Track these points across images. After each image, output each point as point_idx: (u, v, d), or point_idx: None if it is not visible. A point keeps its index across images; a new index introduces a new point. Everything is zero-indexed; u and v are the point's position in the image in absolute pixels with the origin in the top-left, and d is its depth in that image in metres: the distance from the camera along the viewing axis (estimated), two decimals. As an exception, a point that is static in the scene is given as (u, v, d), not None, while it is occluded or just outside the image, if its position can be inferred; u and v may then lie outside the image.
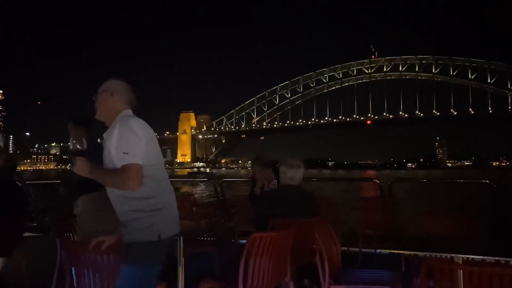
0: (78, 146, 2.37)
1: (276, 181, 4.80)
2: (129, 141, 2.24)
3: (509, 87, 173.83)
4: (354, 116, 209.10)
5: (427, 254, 2.96)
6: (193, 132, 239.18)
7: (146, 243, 2.23)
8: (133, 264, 2.24)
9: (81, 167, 2.29)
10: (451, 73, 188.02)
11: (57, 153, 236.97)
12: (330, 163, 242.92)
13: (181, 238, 3.29)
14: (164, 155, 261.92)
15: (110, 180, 2.28)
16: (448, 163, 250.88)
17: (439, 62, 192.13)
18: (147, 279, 2.26)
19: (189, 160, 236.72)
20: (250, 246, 2.85)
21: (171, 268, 3.23)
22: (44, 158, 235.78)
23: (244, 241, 2.93)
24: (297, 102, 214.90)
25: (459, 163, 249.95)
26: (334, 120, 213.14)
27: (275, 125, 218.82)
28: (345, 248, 5.20)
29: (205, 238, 4.58)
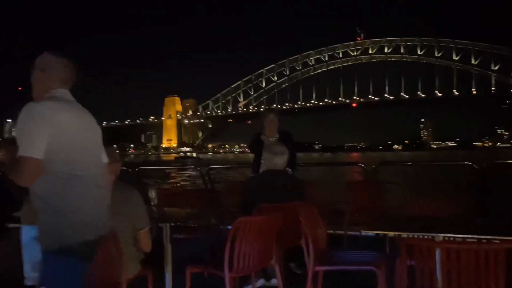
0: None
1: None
2: (26, 129, 1.93)
3: (492, 68, 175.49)
4: (340, 99, 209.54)
5: (410, 234, 3.02)
6: (179, 116, 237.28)
7: (50, 252, 1.97)
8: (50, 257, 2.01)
9: (7, 157, 2.09)
10: (436, 55, 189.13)
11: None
12: (316, 146, 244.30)
13: (167, 224, 3.32)
14: (150, 140, 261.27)
15: (7, 171, 1.97)
16: (432, 144, 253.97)
17: (424, 43, 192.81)
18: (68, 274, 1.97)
19: (175, 145, 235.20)
20: (236, 231, 2.88)
21: (157, 254, 3.26)
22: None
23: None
24: (284, 86, 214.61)
25: (443, 145, 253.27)
26: (320, 103, 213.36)
27: (261, 109, 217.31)
28: (331, 231, 5.26)
29: (193, 225, 4.61)
